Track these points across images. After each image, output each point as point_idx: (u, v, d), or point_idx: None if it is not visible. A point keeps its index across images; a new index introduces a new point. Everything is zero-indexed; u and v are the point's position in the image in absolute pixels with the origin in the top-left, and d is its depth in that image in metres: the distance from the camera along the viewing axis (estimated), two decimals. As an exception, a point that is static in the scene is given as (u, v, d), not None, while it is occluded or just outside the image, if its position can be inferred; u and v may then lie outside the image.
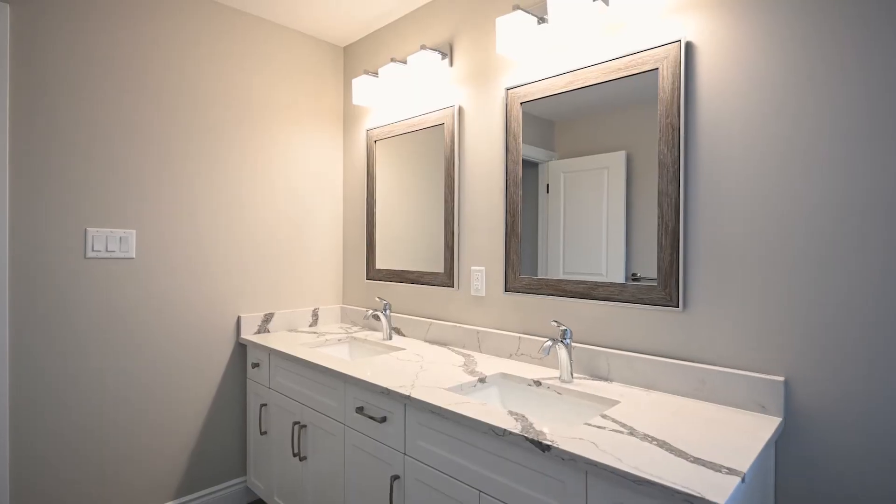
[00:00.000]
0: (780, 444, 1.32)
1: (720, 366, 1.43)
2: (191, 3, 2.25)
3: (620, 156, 1.64)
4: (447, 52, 2.23)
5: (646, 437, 1.15)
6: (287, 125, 2.61)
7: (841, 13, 1.23)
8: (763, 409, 1.32)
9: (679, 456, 1.05)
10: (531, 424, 1.23)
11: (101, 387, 2.00)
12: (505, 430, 1.20)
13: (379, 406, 1.63)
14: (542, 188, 1.87)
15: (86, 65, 1.96)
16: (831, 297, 1.24)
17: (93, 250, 1.97)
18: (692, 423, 1.26)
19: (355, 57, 2.77)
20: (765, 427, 1.23)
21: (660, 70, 1.54)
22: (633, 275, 1.62)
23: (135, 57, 2.08)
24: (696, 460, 1.03)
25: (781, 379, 1.30)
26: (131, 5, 2.07)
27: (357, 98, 2.50)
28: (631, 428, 1.21)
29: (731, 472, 0.98)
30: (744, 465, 1.01)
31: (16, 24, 1.80)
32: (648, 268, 1.58)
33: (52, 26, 1.88)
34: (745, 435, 1.18)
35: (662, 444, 1.11)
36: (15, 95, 1.79)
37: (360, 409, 1.67)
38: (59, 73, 1.90)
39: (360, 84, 2.47)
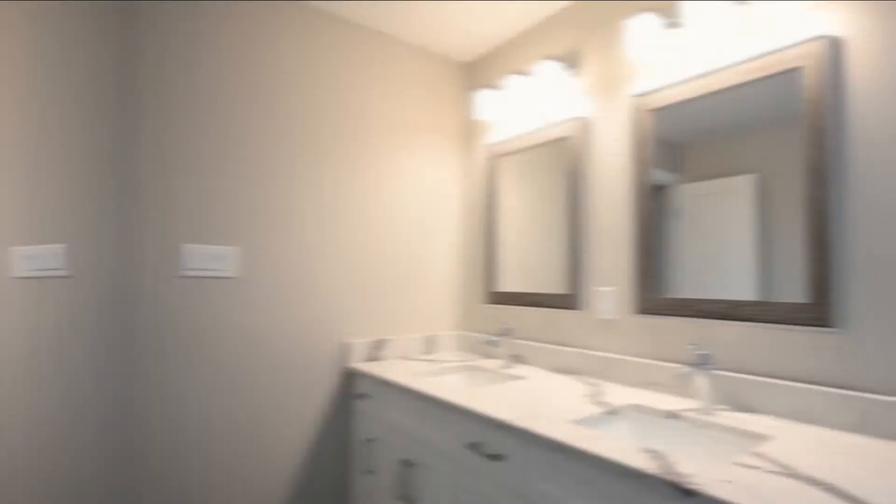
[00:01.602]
0: None
1: (887, 395, 1.22)
2: (306, 14, 2.21)
3: (751, 179, 1.56)
4: (571, 62, 2.17)
5: (810, 481, 1.01)
6: (403, 142, 2.53)
7: None
8: (964, 448, 1.10)
9: (855, 506, 0.90)
10: (670, 464, 1.13)
11: (194, 412, 1.91)
12: (639, 470, 1.12)
13: (495, 442, 1.53)
14: (668, 211, 1.80)
15: (199, 71, 1.92)
16: None
17: (188, 268, 1.89)
18: (861, 462, 1.08)
19: (475, 72, 2.74)
20: (969, 471, 1.02)
21: (804, 69, 1.41)
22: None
23: (249, 67, 2.05)
24: (879, 512, 0.88)
25: None
26: (243, 15, 2.03)
27: (478, 113, 2.48)
28: (790, 468, 1.07)
29: (928, 528, 0.82)
30: (945, 520, 0.84)
31: (128, 26, 1.78)
32: (783, 292, 1.47)
33: (168, 32, 1.86)
34: (942, 481, 0.98)
35: (831, 489, 0.96)
36: (118, 101, 1.75)
37: (474, 446, 1.58)
38: (170, 80, 1.86)
39: (482, 98, 2.46)
